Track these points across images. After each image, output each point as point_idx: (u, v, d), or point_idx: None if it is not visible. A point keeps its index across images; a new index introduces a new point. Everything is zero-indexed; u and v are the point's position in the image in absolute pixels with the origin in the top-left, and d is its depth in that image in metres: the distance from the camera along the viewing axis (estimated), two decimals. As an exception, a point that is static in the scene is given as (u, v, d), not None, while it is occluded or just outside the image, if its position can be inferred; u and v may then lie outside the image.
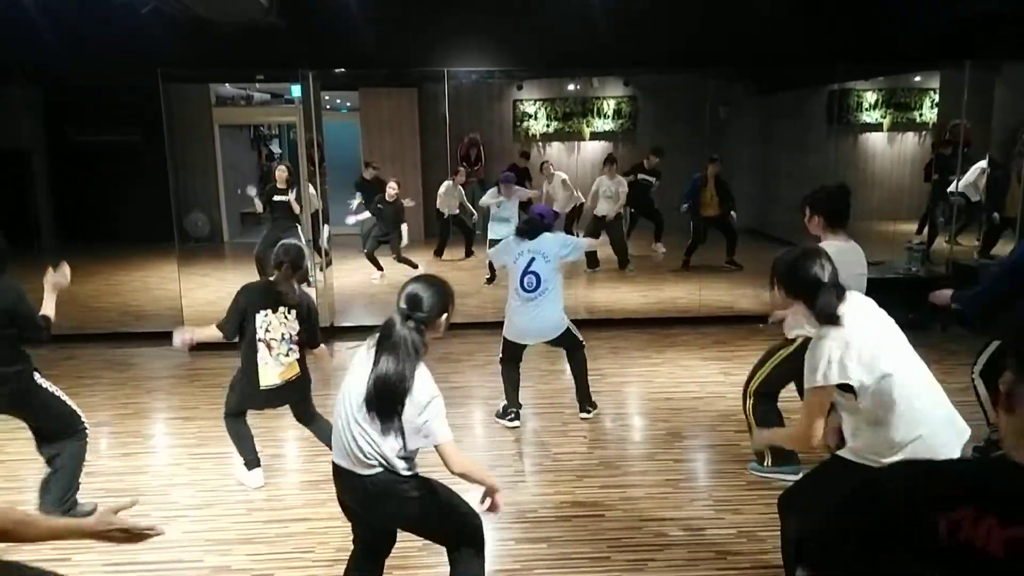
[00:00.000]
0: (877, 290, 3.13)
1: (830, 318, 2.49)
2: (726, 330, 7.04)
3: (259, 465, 4.24)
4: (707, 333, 7.00)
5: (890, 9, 6.93)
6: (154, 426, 5.27)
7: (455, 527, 2.75)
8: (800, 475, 3.62)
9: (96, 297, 8.51)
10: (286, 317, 4.00)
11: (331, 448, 2.75)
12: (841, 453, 2.68)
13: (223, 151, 12.19)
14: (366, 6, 6.86)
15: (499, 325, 5.05)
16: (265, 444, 4.79)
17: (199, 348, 6.73)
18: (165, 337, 6.98)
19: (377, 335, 2.59)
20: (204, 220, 11.99)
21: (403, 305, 2.58)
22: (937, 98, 10.11)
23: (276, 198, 8.11)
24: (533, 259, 4.73)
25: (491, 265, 8.59)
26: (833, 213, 3.77)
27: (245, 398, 4.10)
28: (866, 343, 2.48)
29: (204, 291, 8.27)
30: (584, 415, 5.07)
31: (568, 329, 4.92)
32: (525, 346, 4.96)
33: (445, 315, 2.66)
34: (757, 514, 3.79)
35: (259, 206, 8.39)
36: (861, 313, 2.58)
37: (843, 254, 3.38)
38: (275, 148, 14.76)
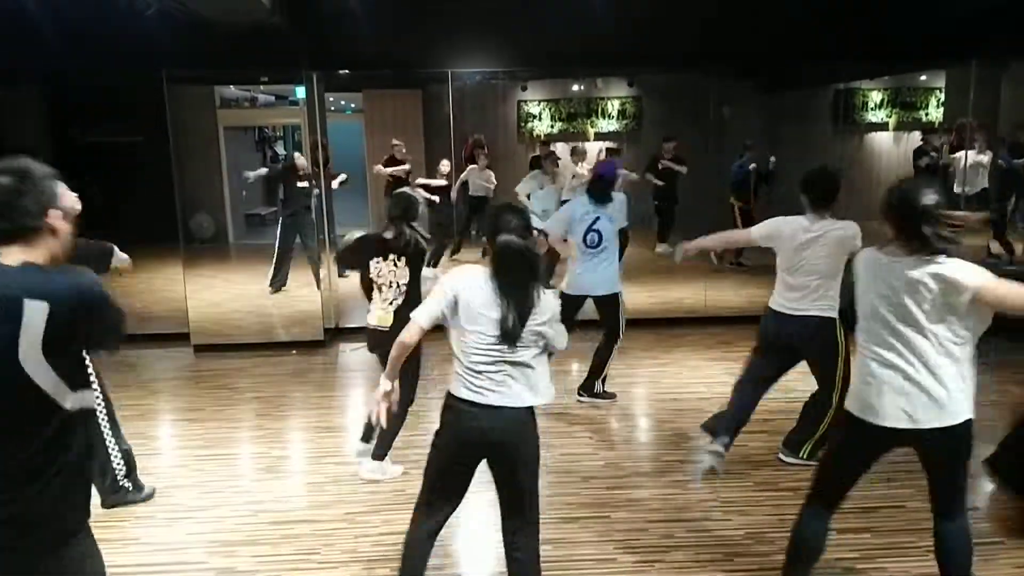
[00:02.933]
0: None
1: None
2: (732, 330, 7.00)
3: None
4: (713, 333, 6.97)
5: (895, 8, 6.89)
6: (159, 427, 5.27)
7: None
8: None
9: (101, 298, 8.47)
10: (395, 264, 4.10)
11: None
12: None
13: (228, 153, 12.19)
14: (370, 7, 6.84)
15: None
16: (271, 445, 4.79)
17: (204, 349, 6.84)
18: (169, 339, 7.08)
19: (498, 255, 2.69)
20: (209, 221, 11.98)
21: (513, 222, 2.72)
22: (943, 97, 10.07)
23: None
24: (598, 218, 5.03)
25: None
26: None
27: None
28: None
29: (209, 292, 8.24)
30: (579, 398, 5.31)
31: (617, 297, 5.17)
32: (581, 304, 5.12)
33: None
34: (765, 515, 3.77)
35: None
36: None
37: None
38: (280, 150, 14.77)
